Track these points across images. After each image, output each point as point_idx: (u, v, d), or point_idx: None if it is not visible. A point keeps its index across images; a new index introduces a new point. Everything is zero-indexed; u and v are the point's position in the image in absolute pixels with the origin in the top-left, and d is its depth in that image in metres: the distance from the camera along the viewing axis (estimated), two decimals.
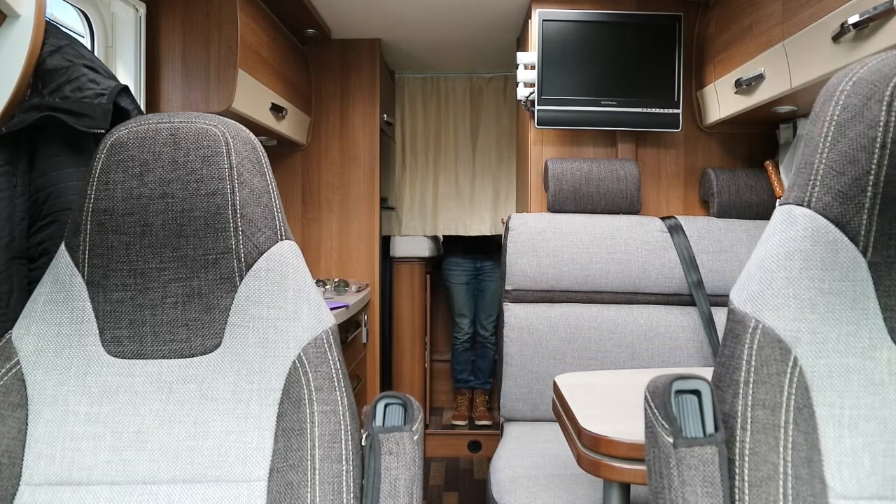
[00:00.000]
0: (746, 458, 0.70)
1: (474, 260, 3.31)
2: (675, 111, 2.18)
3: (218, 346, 0.90)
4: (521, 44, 2.65)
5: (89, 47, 1.76)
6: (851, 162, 0.69)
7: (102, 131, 1.08)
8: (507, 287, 1.97)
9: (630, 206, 2.12)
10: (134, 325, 0.90)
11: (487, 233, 3.44)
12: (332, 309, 0.90)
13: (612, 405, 1.14)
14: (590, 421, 1.02)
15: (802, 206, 0.73)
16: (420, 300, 3.34)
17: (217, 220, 0.88)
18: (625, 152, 2.31)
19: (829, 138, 0.72)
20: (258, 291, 0.90)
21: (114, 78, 1.21)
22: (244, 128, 0.94)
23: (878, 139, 0.67)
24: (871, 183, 0.68)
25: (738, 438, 0.71)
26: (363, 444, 0.89)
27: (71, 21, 1.75)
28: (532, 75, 2.22)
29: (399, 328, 3.31)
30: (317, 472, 0.84)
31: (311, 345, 0.89)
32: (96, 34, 1.80)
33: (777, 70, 1.64)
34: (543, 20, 2.18)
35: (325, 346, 0.90)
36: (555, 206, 2.12)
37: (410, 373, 3.31)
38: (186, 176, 0.87)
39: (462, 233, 3.45)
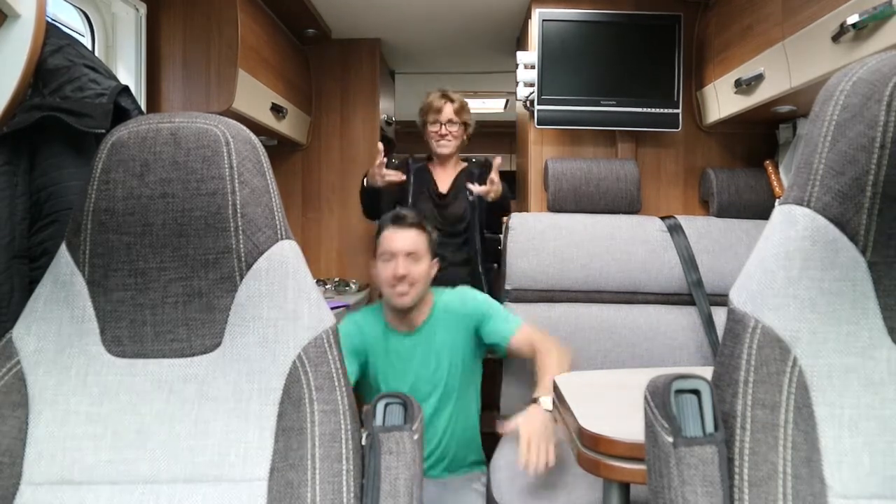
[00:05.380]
0: (746, 458, 0.70)
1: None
2: (675, 111, 2.18)
3: (218, 345, 0.90)
4: (521, 44, 2.66)
5: (89, 47, 1.77)
6: (851, 162, 0.69)
7: (103, 131, 1.09)
8: (508, 287, 1.97)
9: (630, 205, 2.12)
10: (134, 325, 0.90)
11: None
12: (332, 308, 0.90)
13: (612, 405, 1.15)
14: (590, 420, 1.02)
15: (802, 205, 0.74)
16: None
17: (217, 219, 0.88)
18: (625, 152, 2.31)
19: (829, 138, 0.72)
20: (258, 291, 0.90)
21: (114, 78, 1.21)
22: (245, 128, 0.94)
23: (878, 139, 0.67)
24: (870, 183, 0.68)
25: (737, 438, 0.71)
26: (363, 443, 0.89)
27: (71, 21, 1.75)
28: (532, 75, 2.22)
29: None
30: (317, 471, 0.84)
31: (312, 344, 0.90)
32: (97, 34, 1.80)
33: (777, 70, 1.64)
34: (543, 20, 2.18)
35: (326, 345, 0.91)
36: (555, 206, 2.12)
37: None
38: (187, 176, 0.87)
39: None
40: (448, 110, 2.30)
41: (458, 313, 1.74)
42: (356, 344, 1.73)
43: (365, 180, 2.25)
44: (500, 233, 2.27)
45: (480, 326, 1.73)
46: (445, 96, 2.32)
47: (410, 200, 2.34)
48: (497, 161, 2.11)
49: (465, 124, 2.35)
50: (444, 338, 1.73)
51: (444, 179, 2.38)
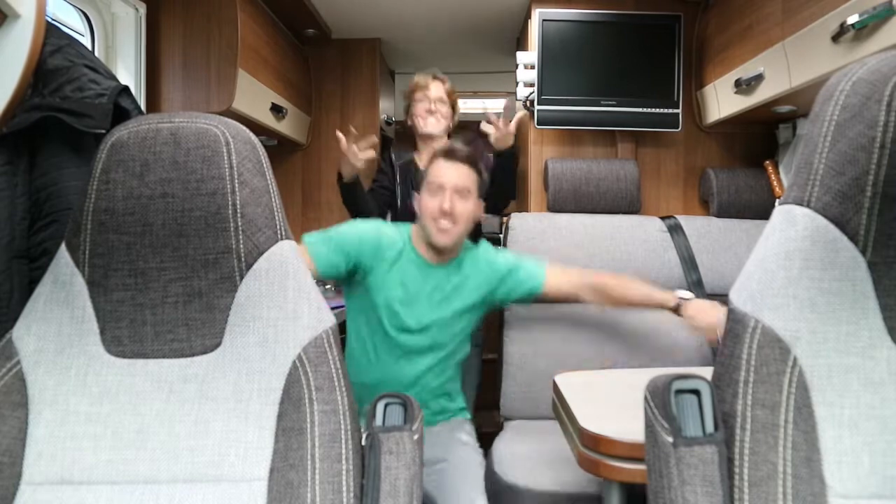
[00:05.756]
0: (746, 458, 0.70)
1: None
2: (675, 111, 2.18)
3: (218, 345, 0.90)
4: (521, 44, 2.66)
5: (89, 47, 1.77)
6: (851, 162, 0.69)
7: (103, 131, 1.09)
8: None
9: (630, 205, 2.12)
10: (134, 325, 0.90)
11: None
12: (332, 308, 0.90)
13: (612, 405, 1.15)
14: (589, 421, 1.02)
15: (802, 205, 0.74)
16: None
17: (217, 219, 0.88)
18: (624, 152, 2.31)
19: (829, 138, 0.72)
20: (258, 291, 0.90)
21: (114, 78, 1.21)
22: (244, 128, 0.94)
23: (878, 139, 0.67)
24: (870, 183, 0.68)
25: (737, 438, 0.71)
26: (363, 443, 0.89)
27: (71, 21, 1.75)
28: (532, 75, 2.22)
29: None
30: (317, 471, 0.84)
31: (312, 344, 0.90)
32: (96, 34, 1.80)
33: (777, 70, 1.64)
34: (543, 20, 2.18)
35: (326, 345, 0.91)
36: (555, 206, 2.12)
37: None
38: (187, 176, 0.87)
39: None
40: (438, 88, 2.16)
41: (481, 266, 1.68)
42: (364, 250, 1.62)
43: (341, 175, 2.06)
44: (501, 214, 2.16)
45: (504, 281, 1.68)
46: (433, 75, 2.19)
47: (399, 203, 2.17)
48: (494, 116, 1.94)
49: (453, 108, 2.19)
50: (461, 283, 1.66)
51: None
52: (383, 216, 2.22)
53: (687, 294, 1.65)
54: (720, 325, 1.35)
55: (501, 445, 1.64)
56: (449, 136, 2.20)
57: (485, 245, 1.76)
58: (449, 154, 1.64)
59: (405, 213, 2.05)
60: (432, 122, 2.13)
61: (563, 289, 1.71)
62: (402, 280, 1.64)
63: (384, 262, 1.63)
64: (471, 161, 1.64)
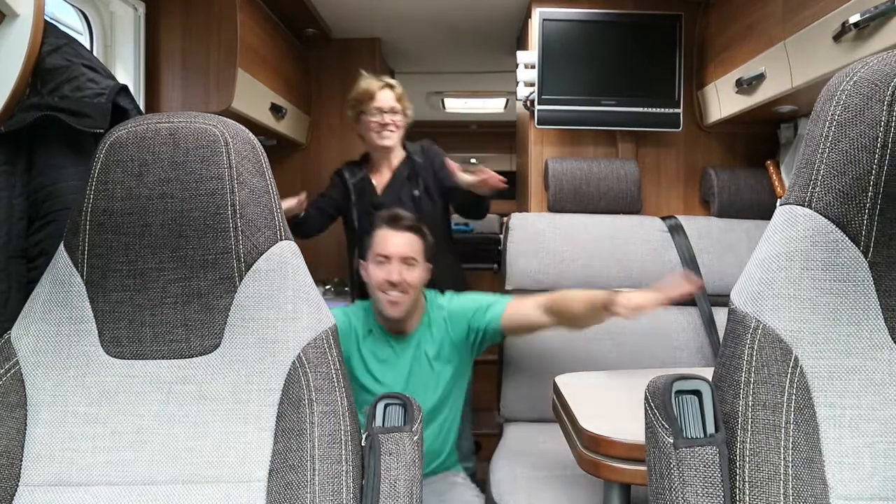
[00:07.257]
0: (747, 459, 0.70)
1: None
2: (676, 111, 2.17)
3: (217, 346, 0.90)
4: (521, 43, 2.65)
5: (88, 47, 1.76)
6: (852, 162, 0.69)
7: (102, 131, 1.08)
8: (508, 287, 1.96)
9: (630, 205, 2.11)
10: (133, 326, 0.89)
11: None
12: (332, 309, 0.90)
13: (612, 405, 1.14)
14: (590, 421, 1.02)
15: (803, 206, 0.73)
16: None
17: (216, 220, 0.88)
18: (625, 152, 2.31)
19: (830, 138, 0.72)
20: (258, 291, 0.90)
21: (113, 77, 1.21)
22: (244, 128, 0.94)
23: (880, 139, 0.67)
24: (871, 183, 0.68)
25: (738, 439, 0.71)
26: (363, 444, 0.89)
27: (70, 20, 1.75)
28: (532, 75, 2.21)
29: None
30: (316, 472, 0.84)
31: (311, 345, 0.89)
32: (95, 34, 1.80)
33: (778, 69, 1.64)
34: (543, 19, 2.18)
35: (325, 346, 0.90)
36: (555, 206, 2.11)
37: None
38: (186, 176, 0.87)
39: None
40: (388, 97, 2.01)
41: (449, 316, 1.64)
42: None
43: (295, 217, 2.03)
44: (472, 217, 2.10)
45: (472, 322, 1.62)
46: (384, 82, 2.04)
47: (356, 222, 2.07)
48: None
49: (405, 114, 2.06)
50: (440, 343, 1.62)
51: (381, 181, 2.08)
52: (323, 230, 2.17)
53: (625, 289, 1.48)
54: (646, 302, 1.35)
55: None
56: (403, 145, 2.11)
57: (449, 295, 1.70)
58: (393, 222, 1.59)
59: (363, 233, 1.90)
60: (387, 134, 2.02)
61: (519, 326, 1.63)
62: (382, 364, 1.59)
63: (356, 350, 1.59)
64: (416, 228, 1.61)
